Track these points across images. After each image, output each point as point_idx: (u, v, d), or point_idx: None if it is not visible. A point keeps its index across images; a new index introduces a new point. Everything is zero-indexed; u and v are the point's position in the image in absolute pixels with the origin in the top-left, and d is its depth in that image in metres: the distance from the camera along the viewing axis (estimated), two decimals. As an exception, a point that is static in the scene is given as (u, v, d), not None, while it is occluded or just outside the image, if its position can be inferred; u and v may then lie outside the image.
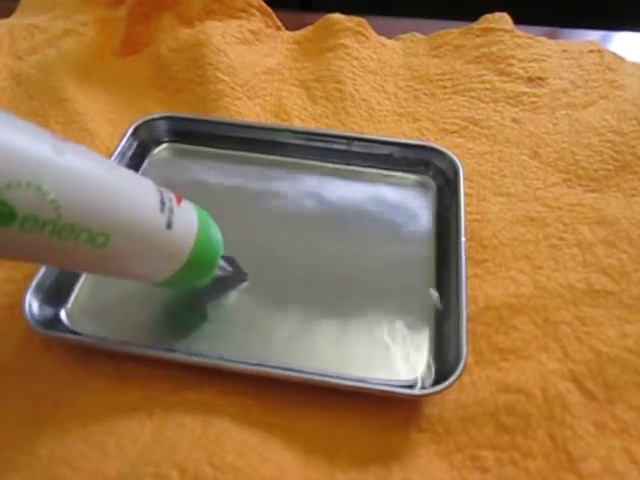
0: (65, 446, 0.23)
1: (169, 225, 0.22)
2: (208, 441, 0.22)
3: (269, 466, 0.22)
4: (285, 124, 0.38)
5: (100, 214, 0.19)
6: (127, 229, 0.20)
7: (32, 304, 0.26)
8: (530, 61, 0.44)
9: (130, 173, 0.22)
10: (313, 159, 0.36)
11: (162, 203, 0.22)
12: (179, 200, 0.23)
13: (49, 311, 0.27)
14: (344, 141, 0.36)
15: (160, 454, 0.22)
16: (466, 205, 0.32)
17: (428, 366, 0.26)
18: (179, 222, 0.23)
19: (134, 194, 0.21)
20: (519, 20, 0.47)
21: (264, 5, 0.46)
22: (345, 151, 0.36)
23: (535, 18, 0.49)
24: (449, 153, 0.35)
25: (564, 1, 0.70)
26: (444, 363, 0.26)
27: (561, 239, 0.32)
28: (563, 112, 0.40)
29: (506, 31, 0.46)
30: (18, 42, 0.45)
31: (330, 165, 0.36)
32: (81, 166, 0.19)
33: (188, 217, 0.24)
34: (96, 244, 0.19)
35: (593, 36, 0.49)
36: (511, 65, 0.43)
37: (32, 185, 0.17)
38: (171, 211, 0.22)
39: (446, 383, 0.24)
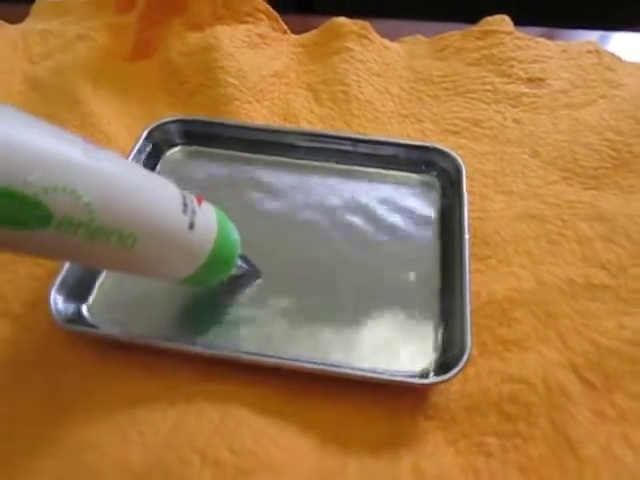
0: (90, 434, 0.24)
1: (191, 226, 0.23)
2: (227, 429, 0.24)
3: (284, 452, 0.23)
4: (293, 126, 0.39)
5: (129, 216, 0.20)
6: (153, 230, 0.22)
7: (57, 300, 0.27)
8: (530, 62, 0.45)
9: (154, 176, 0.23)
10: (320, 160, 0.37)
11: (185, 205, 0.23)
12: (199, 201, 0.25)
13: (72, 307, 0.28)
14: (350, 142, 0.37)
15: (182, 440, 0.23)
16: (469, 203, 0.33)
17: (434, 358, 0.28)
18: (200, 223, 0.24)
19: (159, 197, 0.22)
20: (519, 21, 0.48)
21: (271, 10, 0.47)
22: (351, 152, 0.37)
23: (535, 18, 0.50)
24: (452, 153, 0.36)
25: (564, 1, 0.71)
26: (449, 355, 0.27)
27: (561, 235, 0.33)
28: (563, 112, 0.41)
29: (507, 33, 0.47)
30: (32, 47, 0.46)
31: (337, 166, 0.37)
32: (111, 170, 0.20)
33: (208, 218, 0.25)
34: (125, 245, 0.21)
35: (592, 36, 0.50)
36: (512, 66, 0.44)
37: (67, 189, 0.18)
38: (193, 212, 0.23)
39: (452, 372, 0.25)
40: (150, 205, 0.21)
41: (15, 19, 0.49)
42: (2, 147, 0.17)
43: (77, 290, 0.29)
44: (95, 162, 0.20)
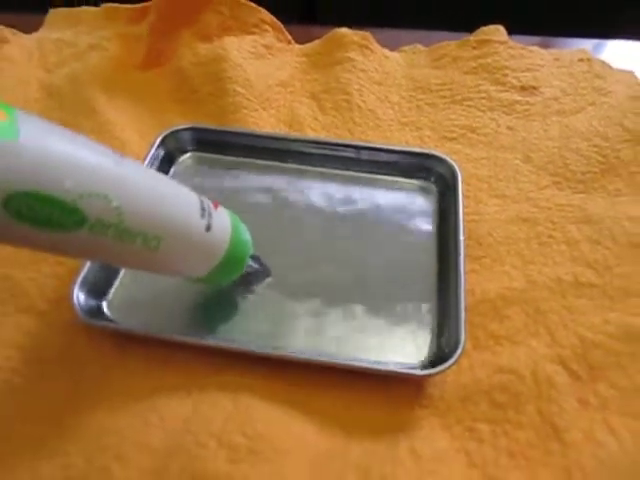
0: (112, 420, 0.26)
1: (208, 228, 0.25)
2: (239, 415, 0.26)
3: (292, 436, 0.25)
4: (298, 134, 0.41)
5: (154, 220, 0.23)
6: (175, 233, 0.24)
7: (79, 297, 0.29)
8: (523, 71, 0.47)
9: (174, 182, 0.25)
10: (324, 166, 0.39)
11: (202, 209, 0.25)
12: (215, 205, 0.27)
13: (93, 303, 0.30)
14: (353, 149, 0.39)
15: (198, 426, 0.25)
16: (464, 207, 0.35)
17: (431, 351, 0.30)
18: (216, 225, 0.26)
19: (180, 201, 0.24)
20: (518, 28, 0.50)
21: (276, 21, 0.49)
22: (354, 159, 0.39)
23: (534, 25, 0.52)
24: (448, 159, 0.38)
25: (559, 9, 0.73)
26: (445, 348, 0.29)
27: (550, 237, 0.35)
28: (554, 119, 0.43)
29: (501, 43, 0.48)
30: (47, 56, 0.48)
31: (340, 171, 0.39)
32: (137, 177, 0.22)
33: (223, 221, 0.27)
34: (149, 246, 0.23)
35: (586, 44, 0.52)
36: (505, 75, 0.46)
37: (100, 195, 0.20)
38: (210, 216, 0.25)
39: (447, 364, 0.27)
40: (172, 209, 0.23)
41: (29, 28, 0.51)
42: (42, 156, 0.19)
43: (97, 287, 0.31)
44: (123, 170, 0.22)
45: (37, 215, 0.19)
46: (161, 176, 0.25)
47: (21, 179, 0.18)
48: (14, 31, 0.50)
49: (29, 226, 0.19)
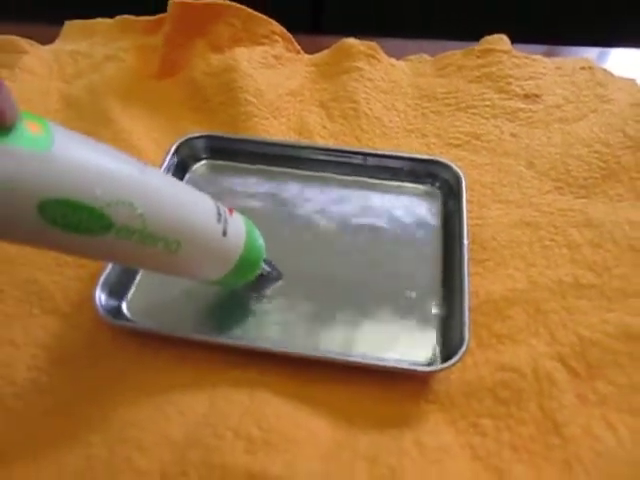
0: (134, 413, 0.28)
1: (224, 233, 0.27)
2: (255, 409, 0.27)
3: (304, 428, 0.27)
4: (307, 141, 0.43)
5: (174, 225, 0.24)
6: (194, 237, 0.25)
7: (101, 298, 0.31)
8: (527, 79, 0.48)
9: (193, 189, 0.27)
10: (333, 172, 0.40)
11: (219, 214, 0.26)
12: (230, 211, 0.28)
13: (113, 304, 0.32)
14: (360, 156, 0.40)
15: (216, 419, 0.27)
16: (468, 211, 0.36)
17: (436, 350, 0.31)
18: (232, 230, 0.27)
19: (198, 207, 0.26)
20: (522, 37, 0.52)
21: (285, 32, 0.51)
22: (361, 165, 0.40)
23: (535, 35, 0.53)
24: (453, 165, 0.39)
25: (563, 19, 0.74)
26: (450, 347, 0.30)
27: (552, 240, 0.36)
28: (556, 126, 0.45)
29: (504, 52, 0.50)
30: (65, 67, 0.50)
31: (348, 177, 0.40)
32: (160, 185, 0.24)
33: (238, 226, 0.28)
34: (170, 250, 0.24)
35: (588, 53, 0.53)
36: (509, 83, 0.48)
37: (126, 202, 0.22)
38: (226, 221, 0.27)
39: (452, 361, 0.28)
40: (191, 215, 0.25)
41: (44, 39, 0.53)
42: (74, 166, 0.20)
43: (117, 289, 0.32)
44: (147, 178, 0.23)
45: (68, 221, 0.21)
46: (181, 183, 0.27)
47: (55, 187, 0.20)
48: (31, 42, 0.51)
49: (60, 231, 0.21)
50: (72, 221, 0.21)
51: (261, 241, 0.30)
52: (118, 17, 0.54)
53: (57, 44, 0.53)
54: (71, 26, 0.55)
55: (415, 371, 0.29)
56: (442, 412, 0.29)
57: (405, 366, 0.29)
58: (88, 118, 0.45)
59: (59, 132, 0.20)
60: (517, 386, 0.29)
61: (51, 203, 0.20)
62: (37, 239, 0.21)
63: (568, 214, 0.38)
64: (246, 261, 0.29)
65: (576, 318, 0.32)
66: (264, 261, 0.31)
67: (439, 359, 0.30)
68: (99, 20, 0.55)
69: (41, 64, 0.49)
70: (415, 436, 0.27)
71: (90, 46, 0.52)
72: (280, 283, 0.33)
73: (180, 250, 0.25)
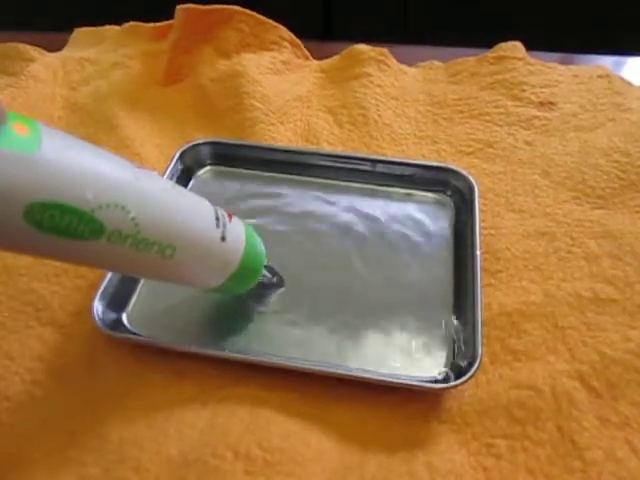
0: (131, 431, 0.26)
1: (223, 238, 0.26)
2: (257, 427, 0.26)
3: (310, 449, 0.25)
4: (315, 148, 0.42)
5: (169, 229, 0.23)
6: (190, 242, 0.24)
7: (99, 309, 0.30)
8: (542, 86, 0.47)
9: (190, 193, 0.26)
10: (341, 179, 0.39)
11: (217, 219, 0.25)
12: (230, 216, 0.27)
13: (112, 315, 0.31)
14: (369, 163, 0.39)
15: (215, 438, 0.25)
16: (481, 221, 0.35)
17: (448, 365, 0.29)
18: (231, 236, 0.26)
19: (195, 212, 0.25)
20: (534, 46, 0.51)
21: (294, 37, 0.50)
22: (370, 172, 0.39)
23: (550, 43, 0.52)
24: (465, 173, 0.38)
25: (579, 27, 0.73)
26: (462, 363, 0.29)
27: (569, 252, 0.35)
28: (572, 134, 0.43)
29: (519, 59, 0.49)
30: (71, 74, 0.49)
31: (356, 185, 0.39)
32: (154, 189, 0.23)
33: (238, 231, 0.27)
34: (165, 255, 0.23)
35: (605, 61, 0.52)
36: (523, 91, 0.46)
37: (118, 206, 0.21)
38: (224, 226, 0.26)
39: (464, 378, 0.27)
40: (187, 219, 0.24)
41: (54, 47, 0.53)
42: (61, 168, 0.19)
43: (117, 300, 0.31)
44: (140, 181, 0.22)
45: (56, 225, 0.19)
46: (177, 187, 0.26)
47: (40, 189, 0.19)
48: (40, 50, 0.51)
49: (49, 236, 0.20)
50: (61, 225, 0.20)
51: (262, 247, 0.29)
52: (126, 24, 0.53)
53: (66, 51, 0.53)
54: (80, 33, 0.55)
55: (426, 388, 0.28)
56: (454, 432, 0.27)
57: (415, 383, 0.28)
58: (91, 125, 0.44)
59: (48, 133, 0.19)
60: (534, 405, 0.27)
61: (38, 206, 0.18)
62: (24, 245, 0.20)
63: (585, 225, 0.37)
64: (246, 268, 0.28)
65: (596, 335, 0.30)
66: (266, 268, 0.30)
67: (451, 375, 0.29)
68: (108, 27, 0.55)
69: (46, 71, 0.49)
70: (426, 458, 0.25)
71: (98, 53, 0.52)
72: (282, 290, 0.32)
73: (176, 255, 0.23)
